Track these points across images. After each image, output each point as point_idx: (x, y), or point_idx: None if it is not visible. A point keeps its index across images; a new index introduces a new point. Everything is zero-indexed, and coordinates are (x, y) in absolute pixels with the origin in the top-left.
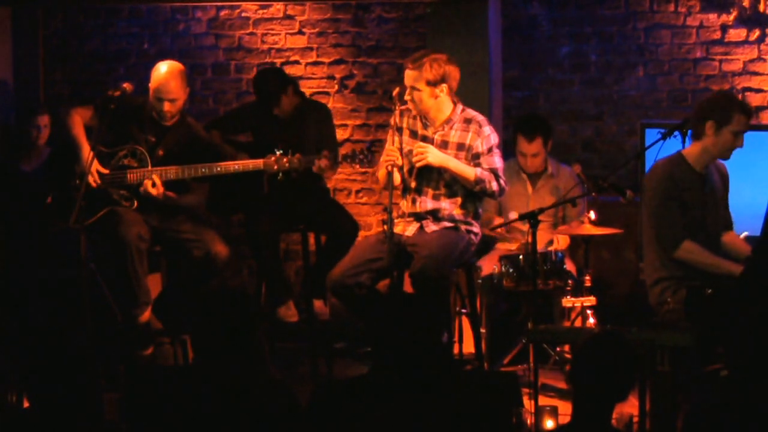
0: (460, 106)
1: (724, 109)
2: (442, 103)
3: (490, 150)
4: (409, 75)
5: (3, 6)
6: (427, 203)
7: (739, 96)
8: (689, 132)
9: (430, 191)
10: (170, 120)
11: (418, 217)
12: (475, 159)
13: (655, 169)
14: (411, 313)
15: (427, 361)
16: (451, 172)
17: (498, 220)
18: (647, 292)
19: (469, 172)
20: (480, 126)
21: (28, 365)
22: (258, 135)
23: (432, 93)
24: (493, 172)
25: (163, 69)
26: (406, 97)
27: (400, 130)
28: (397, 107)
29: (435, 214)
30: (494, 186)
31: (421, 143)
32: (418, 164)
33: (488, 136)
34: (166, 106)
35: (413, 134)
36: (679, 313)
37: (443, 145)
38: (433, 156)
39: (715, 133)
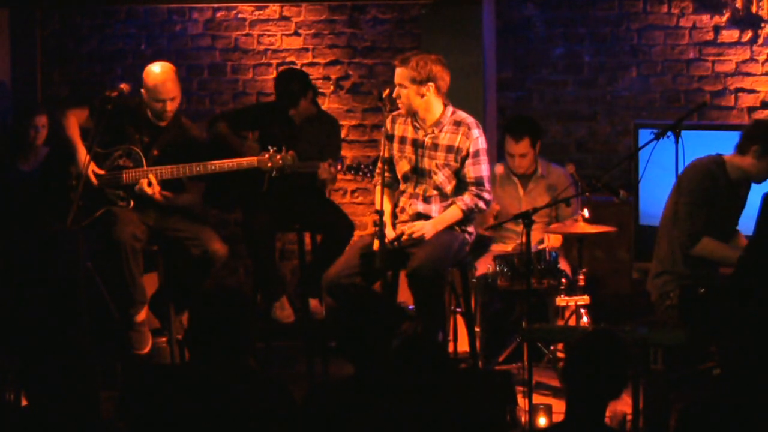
0: (450, 108)
1: None
2: (429, 103)
3: (477, 154)
4: (396, 73)
5: (1, 7)
6: (418, 206)
7: (732, 97)
8: (681, 133)
9: (421, 196)
10: (166, 120)
11: (413, 217)
12: (463, 161)
13: (695, 166)
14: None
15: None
16: (446, 225)
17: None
18: (644, 287)
19: (456, 215)
20: (469, 128)
21: (26, 364)
22: (264, 136)
23: (417, 91)
24: (477, 182)
25: (158, 70)
26: (395, 95)
27: (390, 137)
28: (387, 109)
29: (428, 217)
30: (481, 204)
31: (414, 225)
32: (416, 236)
33: (476, 139)
34: (168, 106)
35: (402, 140)
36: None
37: (433, 148)
38: (428, 231)
39: (757, 157)
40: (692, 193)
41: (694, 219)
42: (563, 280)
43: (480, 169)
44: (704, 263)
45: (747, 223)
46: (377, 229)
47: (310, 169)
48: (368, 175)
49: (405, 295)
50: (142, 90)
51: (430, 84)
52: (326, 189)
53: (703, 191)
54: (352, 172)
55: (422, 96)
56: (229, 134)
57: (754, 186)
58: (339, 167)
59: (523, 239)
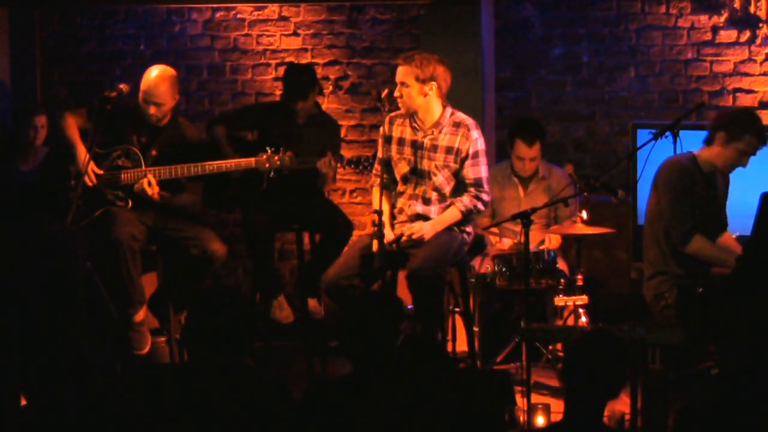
0: (449, 109)
1: (738, 126)
2: (430, 103)
3: (476, 155)
4: (399, 71)
5: (0, 7)
6: (417, 207)
7: (730, 97)
8: (680, 133)
9: (420, 197)
10: (161, 121)
11: (412, 218)
12: (462, 162)
13: (669, 164)
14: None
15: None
16: (445, 227)
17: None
18: (641, 288)
19: (455, 216)
20: (468, 130)
21: (26, 364)
22: (264, 136)
23: (421, 90)
24: (476, 183)
25: (154, 73)
26: (396, 94)
27: (389, 139)
28: (386, 109)
29: (427, 218)
30: (480, 206)
31: (413, 226)
32: (415, 237)
33: (476, 140)
34: (152, 110)
35: (401, 142)
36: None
37: (433, 149)
38: (427, 232)
39: (723, 145)
40: (673, 190)
41: (682, 216)
42: (561, 280)
43: (479, 170)
44: (696, 262)
45: (746, 222)
46: (376, 229)
47: (309, 165)
48: (368, 168)
49: (403, 296)
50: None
51: (433, 83)
52: (326, 186)
53: (683, 187)
54: (352, 165)
55: (425, 95)
56: (224, 140)
57: (753, 186)
58: (339, 164)
59: (522, 239)
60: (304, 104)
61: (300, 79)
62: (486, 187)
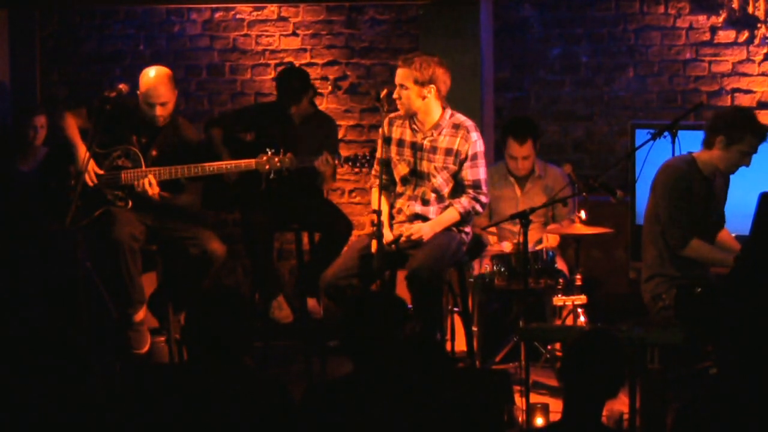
0: (449, 111)
1: (737, 128)
2: (429, 106)
3: (475, 157)
4: (399, 73)
5: (0, 7)
6: (415, 208)
7: (728, 97)
8: (678, 133)
9: (419, 198)
10: (162, 121)
11: (410, 218)
12: (461, 164)
13: (667, 168)
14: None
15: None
16: (444, 227)
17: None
18: (639, 289)
19: (453, 217)
20: (468, 132)
21: (26, 364)
22: (262, 136)
23: (419, 93)
24: (475, 185)
25: (152, 74)
26: (395, 96)
27: (388, 140)
28: (385, 109)
29: (425, 218)
30: (478, 207)
31: (411, 226)
32: (414, 238)
33: (475, 142)
34: (158, 110)
35: (400, 143)
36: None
37: (432, 151)
38: (426, 233)
39: (724, 148)
40: (670, 195)
41: (679, 222)
42: (560, 279)
43: (478, 172)
44: (693, 264)
45: (745, 222)
46: (375, 229)
47: (307, 164)
48: (365, 165)
49: (403, 296)
50: (138, 92)
51: (432, 86)
52: (326, 185)
53: (680, 191)
54: (350, 163)
55: (423, 98)
56: (219, 143)
57: (751, 185)
58: (337, 162)
59: (521, 239)
60: (298, 108)
61: (292, 85)
62: (484, 188)
